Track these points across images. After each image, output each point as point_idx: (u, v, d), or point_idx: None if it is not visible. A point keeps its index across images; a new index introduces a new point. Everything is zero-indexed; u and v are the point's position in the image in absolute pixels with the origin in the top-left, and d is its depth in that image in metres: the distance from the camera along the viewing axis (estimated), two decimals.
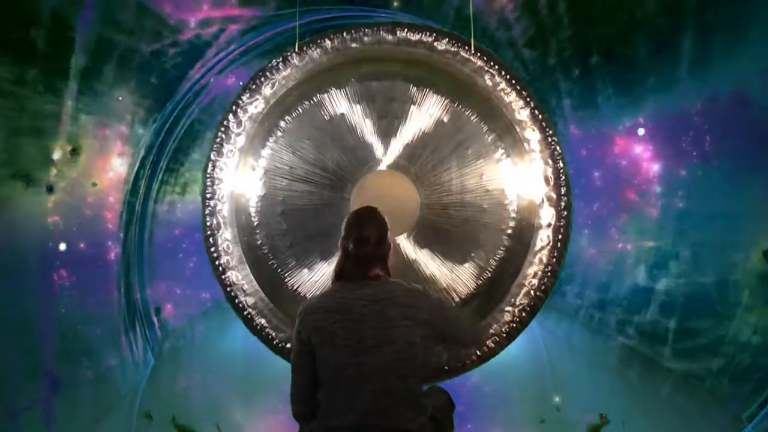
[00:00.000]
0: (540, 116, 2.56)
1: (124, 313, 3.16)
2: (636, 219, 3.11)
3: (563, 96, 3.12)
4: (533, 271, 2.58)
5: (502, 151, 2.58)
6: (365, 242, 1.86)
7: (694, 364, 2.86)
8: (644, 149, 3.11)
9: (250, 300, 2.64)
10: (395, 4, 3.16)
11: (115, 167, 3.10)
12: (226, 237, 2.64)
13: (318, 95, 2.61)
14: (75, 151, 2.80)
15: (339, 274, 1.92)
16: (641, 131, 3.09)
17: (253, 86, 2.62)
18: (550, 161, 2.56)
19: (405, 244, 2.61)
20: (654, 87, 2.97)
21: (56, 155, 2.79)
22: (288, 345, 2.58)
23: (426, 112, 2.60)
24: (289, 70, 2.62)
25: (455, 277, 2.59)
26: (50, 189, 2.79)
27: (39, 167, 2.75)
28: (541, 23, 3.01)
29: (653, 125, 3.05)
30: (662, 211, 3.02)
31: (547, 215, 2.57)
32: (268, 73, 2.62)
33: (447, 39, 2.58)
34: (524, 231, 2.58)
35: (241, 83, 3.14)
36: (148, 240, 3.36)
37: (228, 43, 3.17)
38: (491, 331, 2.56)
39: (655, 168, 3.09)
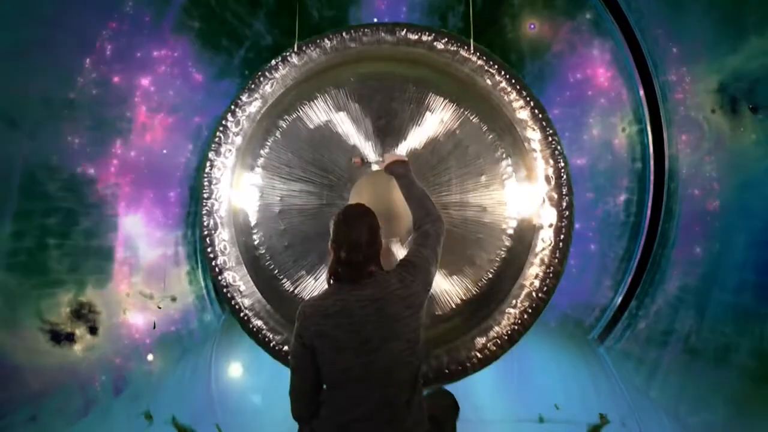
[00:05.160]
0: (540, 115, 2.54)
1: None
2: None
3: None
4: (535, 272, 2.54)
5: (502, 150, 2.55)
6: (357, 247, 1.79)
7: None
8: None
9: (247, 301, 2.59)
10: None
11: None
12: (223, 237, 2.62)
13: (317, 95, 2.59)
14: None
15: (334, 277, 1.87)
16: None
17: (252, 86, 2.61)
18: (551, 160, 2.53)
19: (404, 244, 2.57)
20: None
21: None
22: (285, 348, 2.53)
23: (425, 112, 2.57)
24: (287, 70, 2.61)
25: (455, 278, 2.54)
26: None
27: None
28: None
29: None
30: None
31: (549, 215, 2.54)
32: (267, 73, 2.62)
33: (446, 39, 2.57)
34: (525, 231, 2.54)
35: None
36: None
37: None
38: (493, 333, 2.51)
39: None
